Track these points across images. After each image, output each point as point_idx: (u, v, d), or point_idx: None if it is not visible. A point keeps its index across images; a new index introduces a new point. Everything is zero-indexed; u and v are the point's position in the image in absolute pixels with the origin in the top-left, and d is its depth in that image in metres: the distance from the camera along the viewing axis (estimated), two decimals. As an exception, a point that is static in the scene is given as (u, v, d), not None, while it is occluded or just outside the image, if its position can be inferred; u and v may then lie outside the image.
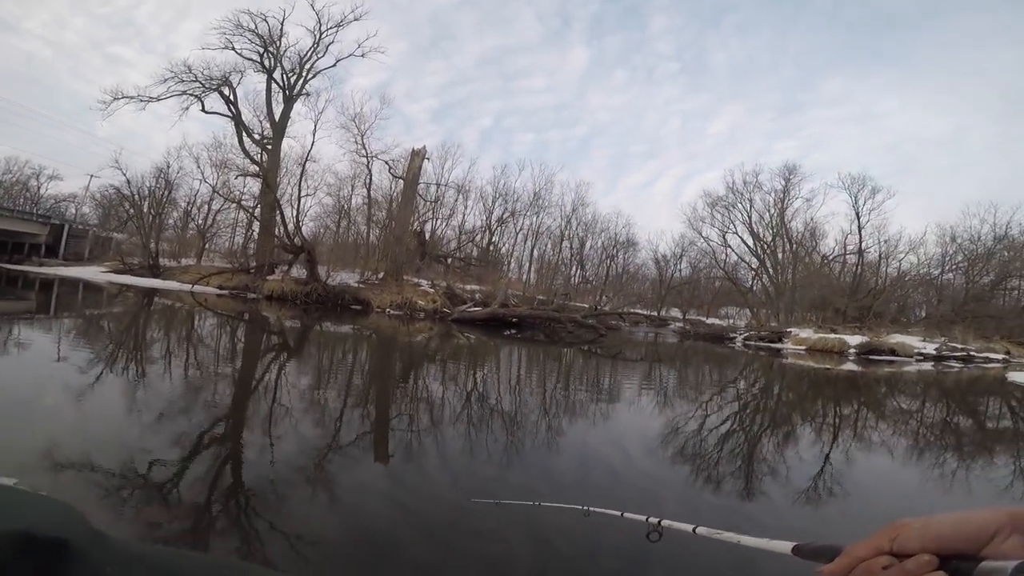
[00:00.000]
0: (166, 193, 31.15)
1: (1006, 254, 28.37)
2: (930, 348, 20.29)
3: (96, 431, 3.49)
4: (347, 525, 2.57)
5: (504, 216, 33.33)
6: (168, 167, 30.68)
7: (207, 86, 25.75)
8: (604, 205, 38.40)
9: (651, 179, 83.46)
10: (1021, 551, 0.34)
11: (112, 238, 36.16)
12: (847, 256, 30.69)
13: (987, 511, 0.37)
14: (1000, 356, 20.87)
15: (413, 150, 27.18)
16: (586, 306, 26.25)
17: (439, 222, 32.57)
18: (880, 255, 29.55)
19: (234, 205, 27.83)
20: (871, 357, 19.09)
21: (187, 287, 21.81)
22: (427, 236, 29.19)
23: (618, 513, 1.13)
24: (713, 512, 3.22)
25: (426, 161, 27.98)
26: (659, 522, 0.89)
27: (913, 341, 21.06)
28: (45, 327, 8.92)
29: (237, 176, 26.97)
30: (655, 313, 31.69)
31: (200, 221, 31.22)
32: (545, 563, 2.37)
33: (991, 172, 66.04)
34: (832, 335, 22.02)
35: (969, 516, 0.37)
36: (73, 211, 42.54)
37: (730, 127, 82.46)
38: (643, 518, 0.96)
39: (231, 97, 26.45)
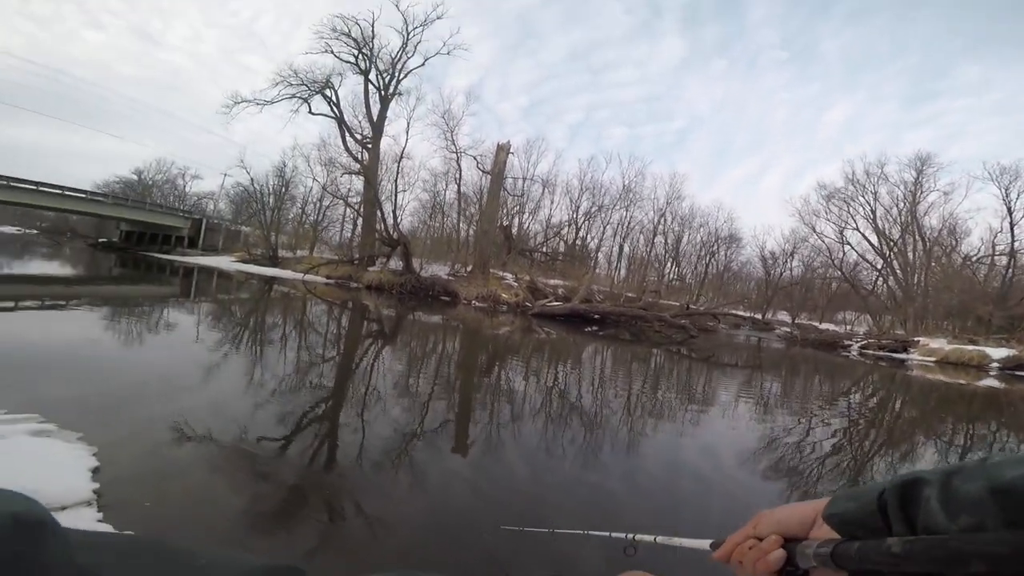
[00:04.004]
0: (284, 190, 34.59)
1: None
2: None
3: (219, 406, 3.95)
4: (422, 509, 2.68)
5: (591, 210, 32.98)
6: (284, 166, 34.04)
7: (312, 89, 27.69)
8: (703, 200, 36.26)
9: (756, 172, 78.13)
10: (825, 533, 0.45)
11: (240, 231, 40.82)
12: (995, 257, 26.57)
13: (809, 504, 0.48)
14: None
15: (498, 144, 27.56)
16: (677, 304, 25.13)
17: (526, 216, 33.09)
18: (1039, 256, 25.21)
19: (340, 202, 30.32)
20: (1018, 373, 16.35)
21: (299, 276, 24.19)
22: (513, 231, 29.64)
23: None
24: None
25: (511, 156, 28.28)
26: (633, 537, 0.93)
27: (1080, 359, 17.67)
28: (188, 309, 10.47)
29: (342, 174, 29.16)
30: (759, 316, 29.49)
31: (313, 216, 34.58)
32: None
33: None
34: (971, 347, 19.18)
35: (799, 508, 0.49)
36: (212, 207, 48.53)
37: (847, 117, 74.80)
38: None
39: (333, 99, 28.39)
